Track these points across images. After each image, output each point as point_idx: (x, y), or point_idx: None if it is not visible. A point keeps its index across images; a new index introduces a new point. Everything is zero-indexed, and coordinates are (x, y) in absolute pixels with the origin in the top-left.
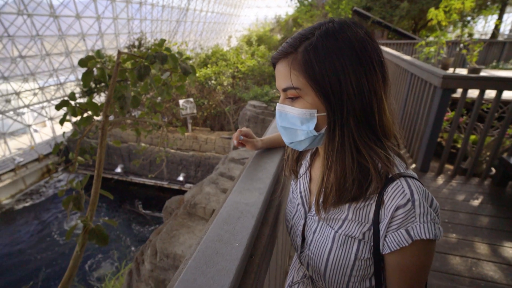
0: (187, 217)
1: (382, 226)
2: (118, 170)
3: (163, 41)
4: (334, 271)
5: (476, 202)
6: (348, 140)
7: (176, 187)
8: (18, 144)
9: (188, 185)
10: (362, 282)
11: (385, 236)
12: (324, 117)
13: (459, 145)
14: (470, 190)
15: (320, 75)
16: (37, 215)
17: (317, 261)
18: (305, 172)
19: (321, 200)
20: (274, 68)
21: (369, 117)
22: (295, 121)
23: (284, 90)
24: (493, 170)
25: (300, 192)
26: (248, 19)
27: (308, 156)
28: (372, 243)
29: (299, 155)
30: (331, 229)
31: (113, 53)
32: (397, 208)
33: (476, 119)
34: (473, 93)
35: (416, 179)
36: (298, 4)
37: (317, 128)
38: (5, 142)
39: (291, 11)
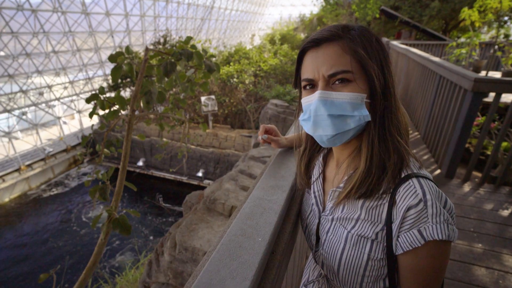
0: (206, 212)
1: (395, 226)
2: (140, 163)
3: (189, 38)
4: (348, 270)
5: (505, 212)
6: (383, 130)
7: (195, 182)
8: (48, 135)
9: (206, 181)
10: (376, 283)
11: (398, 237)
12: (367, 104)
13: (488, 152)
14: (499, 199)
15: (373, 60)
16: (62, 204)
17: (330, 260)
18: (320, 173)
19: (356, 187)
20: (304, 53)
21: (397, 110)
22: (346, 107)
23: (334, 74)
24: None
25: (314, 192)
26: (272, 18)
27: (321, 158)
28: (385, 244)
29: (308, 167)
30: (344, 229)
31: (139, 49)
32: (408, 209)
33: (510, 124)
34: (507, 97)
35: (429, 179)
36: (323, 3)
37: None
38: (37, 133)
39: (316, 10)
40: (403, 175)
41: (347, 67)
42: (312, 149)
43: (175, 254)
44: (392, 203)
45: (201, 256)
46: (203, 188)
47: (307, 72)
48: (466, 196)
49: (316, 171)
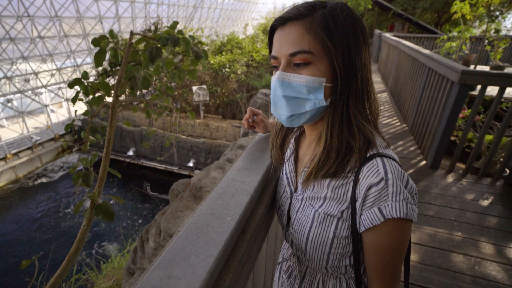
0: (192, 199)
1: (358, 205)
2: (130, 153)
3: (175, 23)
4: (314, 248)
5: (485, 202)
6: (347, 113)
7: (185, 172)
8: (35, 123)
9: (197, 171)
10: (342, 260)
11: (361, 214)
12: (329, 88)
13: (473, 144)
14: (480, 190)
15: (337, 42)
16: (49, 193)
17: (299, 239)
18: (291, 154)
19: (316, 169)
20: (272, 32)
21: (364, 94)
22: (302, 90)
23: (293, 54)
24: (507, 171)
25: (286, 174)
26: (265, 7)
27: (293, 140)
28: (350, 222)
29: (283, 143)
30: (312, 208)
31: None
32: (370, 187)
33: (494, 117)
34: (492, 91)
35: (393, 159)
36: None
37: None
38: (23, 121)
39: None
40: (368, 155)
41: (306, 48)
42: (285, 128)
43: (159, 241)
44: (356, 182)
45: None
46: None
47: (273, 51)
48: (449, 186)
49: (288, 152)
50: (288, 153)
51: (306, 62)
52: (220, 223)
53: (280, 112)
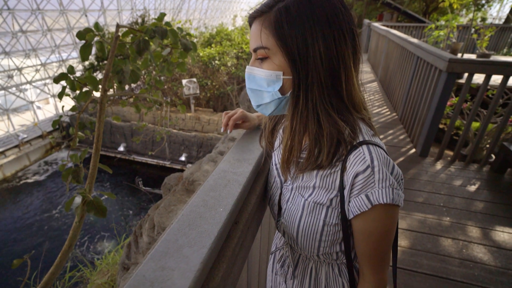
0: (185, 193)
1: (346, 192)
2: (121, 148)
3: (163, 15)
4: (305, 237)
5: (473, 188)
6: (312, 105)
7: (178, 167)
8: (21, 120)
9: (190, 165)
10: (332, 247)
11: (349, 202)
12: (290, 80)
13: (460, 132)
14: (468, 176)
15: (289, 36)
16: (39, 191)
17: (290, 228)
18: (280, 144)
19: (284, 161)
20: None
21: (336, 85)
22: (262, 83)
23: (254, 50)
24: (493, 156)
25: (276, 164)
26: None
27: (281, 130)
28: (339, 209)
29: (274, 127)
30: (301, 197)
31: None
32: (356, 175)
33: (480, 105)
34: (479, 79)
35: (379, 146)
36: None
37: (282, 92)
38: (8, 118)
39: None
40: (354, 143)
41: (260, 44)
42: (274, 117)
43: (153, 235)
44: (343, 170)
45: None
46: None
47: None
48: (438, 173)
49: (277, 142)
50: (277, 143)
51: (264, 57)
52: (212, 214)
53: (252, 101)
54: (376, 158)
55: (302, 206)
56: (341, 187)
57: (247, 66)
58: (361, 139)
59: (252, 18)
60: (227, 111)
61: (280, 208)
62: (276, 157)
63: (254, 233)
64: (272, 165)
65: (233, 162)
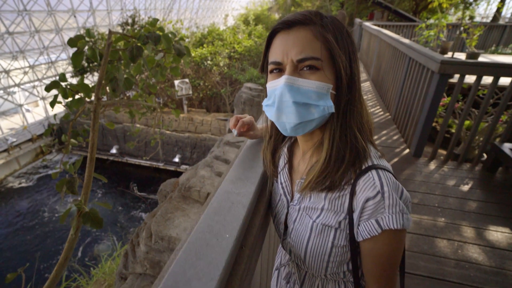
0: (182, 200)
1: (355, 216)
2: (113, 151)
3: (155, 20)
4: (313, 257)
5: (466, 187)
6: (346, 124)
7: (171, 168)
8: (10, 124)
9: (184, 166)
10: (340, 267)
11: (358, 225)
12: (332, 96)
13: (454, 131)
14: (461, 175)
15: (343, 51)
16: (29, 197)
17: (297, 248)
18: (285, 164)
19: (312, 181)
20: (274, 34)
21: (359, 104)
22: (312, 95)
23: (303, 60)
24: (485, 155)
25: (281, 183)
26: None
27: (285, 149)
28: (347, 231)
29: (274, 154)
30: (309, 218)
31: (106, 30)
32: (367, 200)
33: (472, 105)
34: (470, 78)
35: (388, 171)
36: None
37: None
38: None
39: None
40: (363, 167)
41: (317, 54)
42: (277, 138)
43: (151, 244)
44: (352, 194)
45: (177, 245)
46: (180, 173)
47: (275, 55)
48: (432, 173)
49: (282, 162)
50: (281, 162)
51: (315, 67)
52: (219, 241)
53: (287, 119)
54: (386, 184)
55: (310, 227)
56: (350, 210)
57: (285, 76)
58: (369, 163)
59: (290, 24)
60: (238, 115)
61: (286, 227)
62: (282, 176)
63: (259, 253)
64: (277, 183)
65: (235, 181)
